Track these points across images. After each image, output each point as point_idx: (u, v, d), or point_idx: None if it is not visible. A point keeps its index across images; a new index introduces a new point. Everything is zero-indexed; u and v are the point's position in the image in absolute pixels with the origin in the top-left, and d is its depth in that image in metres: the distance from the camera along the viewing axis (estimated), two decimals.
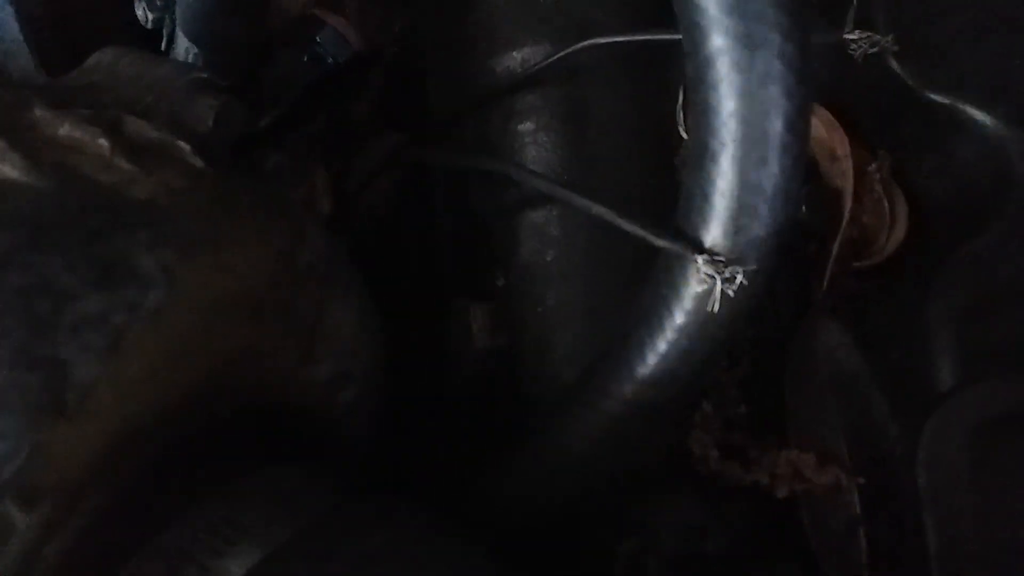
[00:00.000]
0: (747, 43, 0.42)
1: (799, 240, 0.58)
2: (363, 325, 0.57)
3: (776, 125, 0.43)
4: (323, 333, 0.54)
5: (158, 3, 0.61)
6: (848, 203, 0.57)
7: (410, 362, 0.61)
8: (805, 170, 0.50)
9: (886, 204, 0.57)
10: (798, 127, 0.44)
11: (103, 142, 0.45)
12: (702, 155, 0.45)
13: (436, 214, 0.66)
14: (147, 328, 0.42)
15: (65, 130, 0.45)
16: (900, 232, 0.56)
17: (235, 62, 0.61)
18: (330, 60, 0.65)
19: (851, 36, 0.53)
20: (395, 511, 0.49)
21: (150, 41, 0.61)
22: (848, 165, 0.57)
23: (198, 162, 0.48)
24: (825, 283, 0.57)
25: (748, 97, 0.43)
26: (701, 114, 0.44)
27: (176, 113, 0.51)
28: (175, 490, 0.44)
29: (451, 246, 0.65)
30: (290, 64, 0.65)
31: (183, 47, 0.61)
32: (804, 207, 0.58)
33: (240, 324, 0.47)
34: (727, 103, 0.43)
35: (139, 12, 0.61)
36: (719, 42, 0.42)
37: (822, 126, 0.58)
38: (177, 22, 0.60)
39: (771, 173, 0.44)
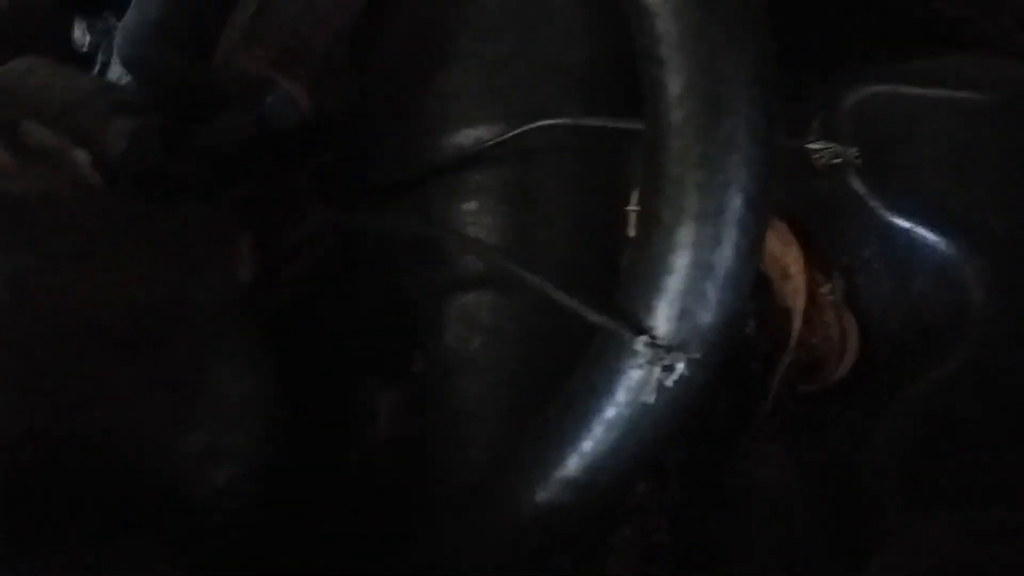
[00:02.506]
0: (714, 106, 0.39)
1: (744, 357, 0.54)
2: (254, 396, 0.50)
3: (735, 200, 0.40)
4: (203, 398, 0.47)
5: (98, 27, 0.58)
6: (798, 323, 0.53)
7: (311, 444, 0.54)
8: (756, 281, 0.47)
9: (837, 328, 0.53)
10: (758, 206, 0.40)
11: None
12: (652, 226, 0.41)
13: (360, 290, 0.61)
14: None
15: None
16: (850, 358, 0.52)
17: (169, 99, 0.57)
18: (276, 124, 0.62)
19: (814, 145, 0.51)
20: None
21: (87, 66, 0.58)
22: (801, 284, 0.54)
23: (93, 176, 0.43)
24: (768, 405, 0.52)
25: (708, 165, 0.40)
26: (656, 180, 0.41)
27: (86, 129, 0.47)
28: None
29: (371, 324, 0.59)
30: (233, 121, 0.61)
31: (116, 76, 0.58)
32: (752, 323, 0.55)
33: (97, 357, 0.40)
34: (686, 170, 0.40)
35: (77, 33, 0.58)
36: (684, 106, 0.40)
37: (777, 241, 0.55)
38: (114, 48, 0.56)
39: (725, 255, 0.41)
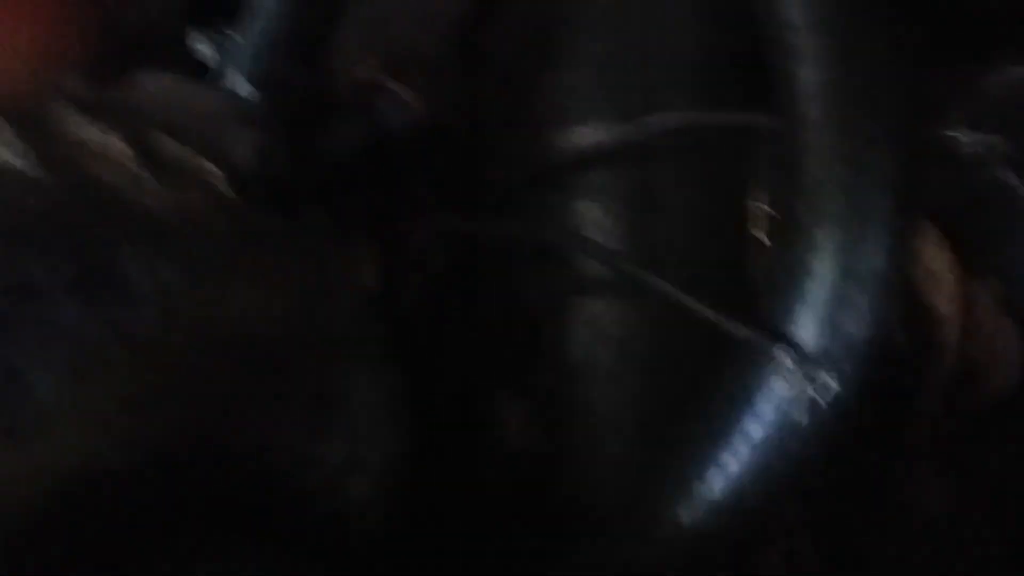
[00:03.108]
0: (856, 98, 0.37)
1: (893, 368, 0.51)
2: (389, 409, 0.50)
3: (883, 200, 0.37)
4: (341, 409, 0.48)
5: (218, 40, 0.58)
6: (951, 331, 0.49)
7: (439, 458, 0.54)
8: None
9: (994, 335, 0.49)
10: (907, 205, 0.38)
11: (123, 147, 0.40)
12: (794, 231, 0.39)
13: (482, 299, 0.60)
14: (129, 351, 0.36)
15: (87, 132, 0.41)
16: (1012, 368, 0.48)
17: (291, 111, 0.57)
18: (390, 129, 0.62)
19: (958, 135, 0.47)
20: None
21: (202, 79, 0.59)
22: (952, 287, 0.50)
23: (227, 189, 0.44)
24: (923, 421, 0.49)
25: (853, 163, 0.37)
26: (794, 181, 0.39)
27: (214, 140, 0.47)
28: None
29: (494, 335, 0.58)
30: (348, 127, 0.61)
31: (233, 88, 0.58)
32: (900, 332, 0.51)
33: (242, 370, 0.41)
34: (828, 169, 0.37)
35: (202, 47, 0.58)
36: (823, 100, 0.37)
37: (922, 240, 0.51)
38: (235, 64, 0.57)
39: (873, 259, 0.38)
